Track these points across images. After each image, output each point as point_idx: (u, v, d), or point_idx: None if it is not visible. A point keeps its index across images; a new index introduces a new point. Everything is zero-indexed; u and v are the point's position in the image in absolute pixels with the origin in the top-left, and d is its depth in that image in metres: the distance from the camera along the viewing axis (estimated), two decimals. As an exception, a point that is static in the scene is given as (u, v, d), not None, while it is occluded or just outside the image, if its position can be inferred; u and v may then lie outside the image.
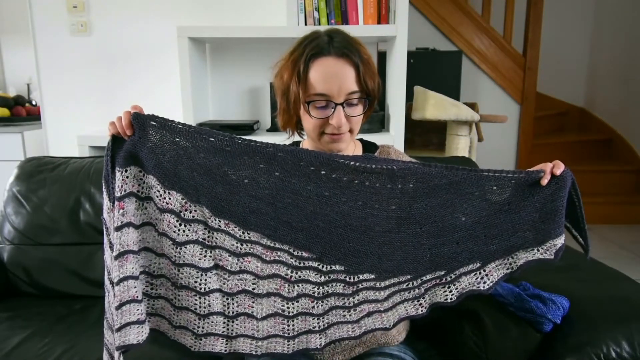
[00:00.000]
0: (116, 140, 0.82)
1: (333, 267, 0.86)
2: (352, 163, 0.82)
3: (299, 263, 0.86)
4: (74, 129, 2.12)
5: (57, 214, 1.44)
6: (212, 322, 0.87)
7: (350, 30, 0.96)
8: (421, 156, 1.08)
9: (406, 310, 0.89)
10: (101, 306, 1.28)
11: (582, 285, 1.09)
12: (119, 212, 0.80)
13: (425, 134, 2.89)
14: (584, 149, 4.00)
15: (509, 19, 3.47)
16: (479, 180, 0.84)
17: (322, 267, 0.86)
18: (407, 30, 1.82)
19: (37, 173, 1.50)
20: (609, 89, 4.05)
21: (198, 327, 0.87)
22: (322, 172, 0.82)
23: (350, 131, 0.93)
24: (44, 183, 1.47)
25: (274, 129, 2.03)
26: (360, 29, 1.80)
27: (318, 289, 0.87)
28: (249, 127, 1.88)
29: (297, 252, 0.86)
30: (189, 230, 0.83)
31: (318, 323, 0.87)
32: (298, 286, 0.86)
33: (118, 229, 0.81)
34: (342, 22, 1.85)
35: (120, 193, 0.80)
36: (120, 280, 0.81)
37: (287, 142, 1.09)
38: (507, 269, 0.86)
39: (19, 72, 3.19)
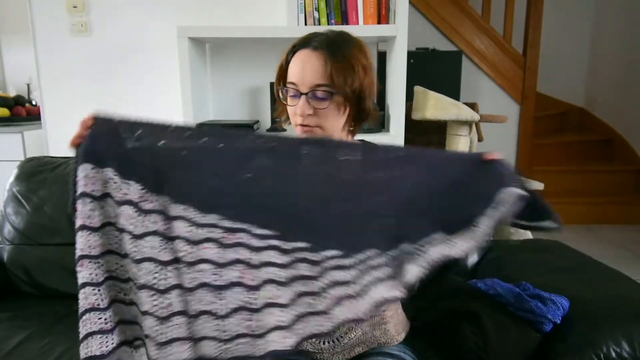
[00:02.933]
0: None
1: (296, 245, 0.84)
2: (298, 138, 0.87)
3: (261, 243, 0.83)
4: (74, 129, 2.11)
5: (57, 214, 1.44)
6: (175, 324, 0.81)
7: (350, 30, 0.96)
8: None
9: (381, 293, 0.82)
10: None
11: (582, 285, 1.09)
12: (75, 215, 0.78)
13: (425, 134, 2.89)
14: (584, 149, 4.00)
15: (509, 19, 3.47)
16: (424, 154, 0.89)
17: (285, 245, 0.83)
18: (407, 30, 1.82)
19: (37, 173, 1.50)
20: (608, 89, 4.05)
21: (160, 333, 0.80)
22: (275, 146, 0.84)
23: (321, 127, 0.92)
24: (44, 183, 1.47)
25: (274, 128, 2.03)
26: (360, 29, 1.80)
27: (282, 271, 0.83)
28: (249, 127, 1.88)
29: (258, 231, 0.83)
30: (148, 221, 0.80)
31: (286, 315, 0.81)
32: (261, 270, 0.83)
33: (76, 231, 0.78)
34: (342, 22, 1.85)
35: (77, 194, 0.78)
36: (80, 287, 0.77)
37: None
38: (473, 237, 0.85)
39: (19, 72, 3.19)
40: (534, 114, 3.60)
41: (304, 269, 0.83)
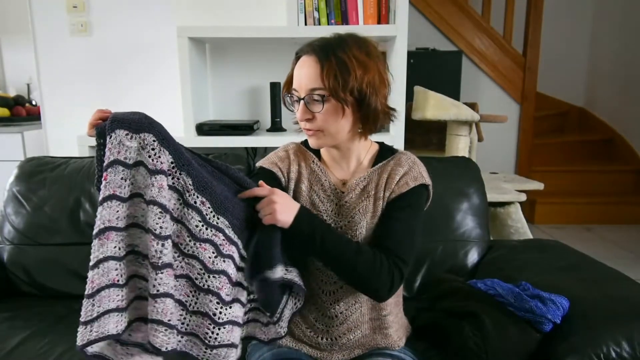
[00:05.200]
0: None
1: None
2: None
3: (241, 263, 0.87)
4: (74, 129, 2.11)
5: (57, 214, 1.44)
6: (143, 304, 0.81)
7: (350, 30, 0.95)
8: (421, 156, 1.07)
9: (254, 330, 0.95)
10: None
11: (582, 285, 1.09)
12: (102, 184, 0.73)
13: (425, 134, 2.89)
14: (584, 149, 4.00)
15: (509, 19, 3.47)
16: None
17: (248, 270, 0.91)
18: (407, 30, 1.82)
19: (37, 173, 1.50)
20: (609, 89, 4.05)
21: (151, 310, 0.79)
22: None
23: (323, 130, 0.91)
24: (44, 183, 1.47)
25: (274, 129, 2.03)
26: (360, 29, 1.79)
27: (248, 295, 0.90)
28: (249, 127, 1.88)
29: (242, 251, 0.87)
30: (169, 195, 0.78)
31: (239, 335, 0.87)
32: (235, 289, 0.85)
33: (100, 202, 0.73)
34: (342, 22, 1.85)
35: (105, 162, 0.74)
36: (100, 262, 0.73)
37: (300, 140, 1.09)
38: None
39: (19, 72, 3.19)
40: (534, 114, 3.60)
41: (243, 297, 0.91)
